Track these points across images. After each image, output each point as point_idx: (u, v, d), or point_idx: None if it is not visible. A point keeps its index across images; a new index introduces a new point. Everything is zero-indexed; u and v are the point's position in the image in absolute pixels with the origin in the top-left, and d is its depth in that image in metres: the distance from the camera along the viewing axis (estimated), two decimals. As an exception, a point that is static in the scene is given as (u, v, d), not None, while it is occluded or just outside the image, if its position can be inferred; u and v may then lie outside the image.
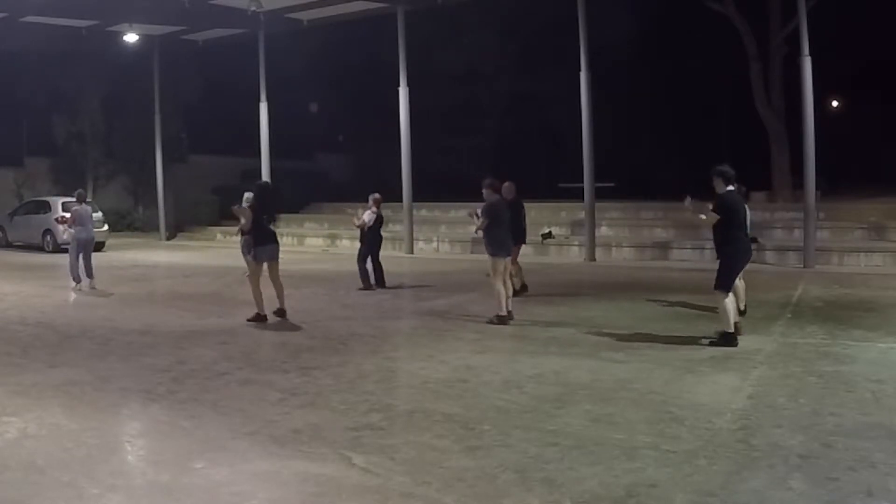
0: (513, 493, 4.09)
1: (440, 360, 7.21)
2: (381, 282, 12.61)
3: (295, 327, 9.18)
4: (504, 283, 9.11)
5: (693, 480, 4.22)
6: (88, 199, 14.02)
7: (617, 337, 8.20)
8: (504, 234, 9.26)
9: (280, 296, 9.63)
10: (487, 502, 4.00)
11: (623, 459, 4.52)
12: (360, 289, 12.31)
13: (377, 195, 12.67)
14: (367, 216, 12.51)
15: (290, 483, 4.28)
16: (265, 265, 9.53)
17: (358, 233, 12.89)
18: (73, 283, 12.81)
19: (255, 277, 9.49)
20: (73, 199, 13.78)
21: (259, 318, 9.37)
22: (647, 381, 6.30)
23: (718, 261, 7.79)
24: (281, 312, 9.55)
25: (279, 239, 9.84)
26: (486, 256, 9.46)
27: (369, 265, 12.57)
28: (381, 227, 12.80)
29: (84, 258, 12.92)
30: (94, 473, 4.41)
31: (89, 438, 5.01)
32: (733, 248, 7.60)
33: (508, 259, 9.43)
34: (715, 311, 9.56)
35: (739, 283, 8.61)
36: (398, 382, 6.76)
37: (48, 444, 4.92)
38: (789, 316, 9.46)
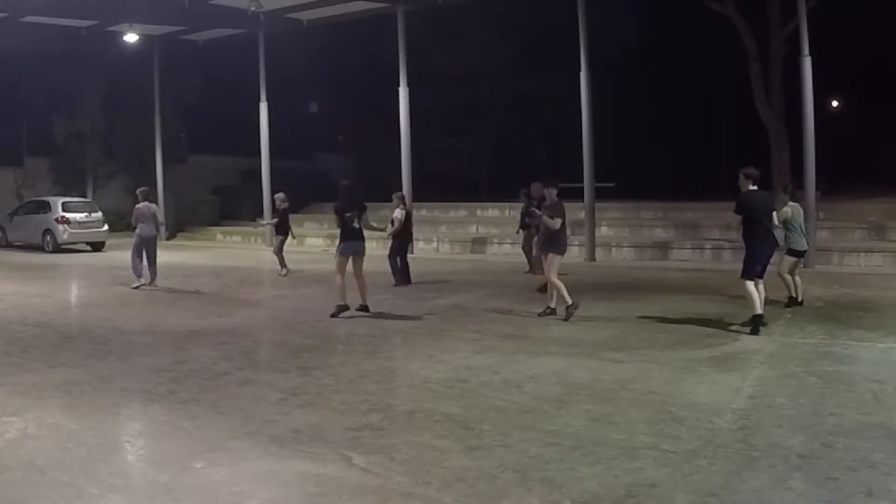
0: (513, 493, 4.09)
1: (440, 360, 7.21)
2: (407, 279, 13.04)
3: (295, 327, 9.18)
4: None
5: (693, 480, 4.22)
6: (87, 199, 14.01)
7: (617, 337, 8.21)
8: (564, 233, 9.67)
9: (362, 292, 10.04)
10: (487, 502, 4.00)
11: (623, 459, 4.52)
12: (395, 284, 12.74)
13: (401, 193, 13.46)
14: (399, 213, 13.00)
15: (290, 483, 4.28)
16: (350, 261, 9.94)
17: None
18: (138, 281, 12.73)
19: (339, 270, 9.93)
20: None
21: (340, 309, 9.77)
22: (647, 381, 6.30)
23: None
24: (364, 308, 9.95)
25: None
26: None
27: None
28: (410, 223, 13.28)
29: (147, 256, 12.88)
30: (94, 473, 4.41)
31: (89, 438, 5.01)
32: (753, 241, 8.36)
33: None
34: (715, 311, 9.64)
35: (796, 278, 10.04)
36: (398, 382, 6.75)
37: (48, 444, 4.92)
38: (789, 316, 9.47)
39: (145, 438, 5.26)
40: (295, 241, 15.85)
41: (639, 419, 5.30)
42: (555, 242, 9.47)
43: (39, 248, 20.63)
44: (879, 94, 27.47)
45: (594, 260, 16.96)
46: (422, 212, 21.90)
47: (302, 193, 26.19)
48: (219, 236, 25.21)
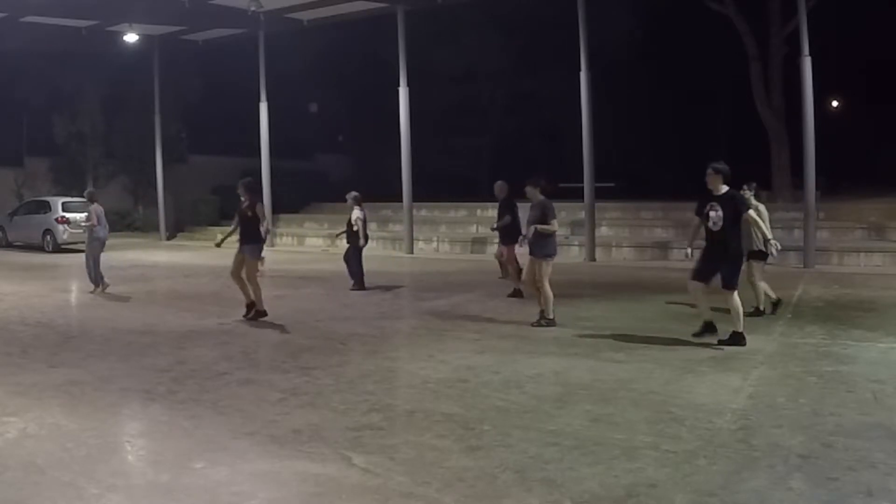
0: (513, 493, 4.09)
1: (440, 360, 7.21)
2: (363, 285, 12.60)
3: (295, 327, 9.17)
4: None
5: (693, 480, 4.22)
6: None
7: (617, 337, 8.20)
8: (553, 235, 9.16)
9: (247, 295, 9.74)
10: (487, 502, 4.00)
11: (623, 459, 4.52)
12: (355, 288, 12.33)
13: (356, 193, 12.64)
14: (359, 213, 12.46)
15: (290, 483, 4.28)
16: (241, 262, 9.70)
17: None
18: (94, 287, 12.27)
19: (256, 273, 9.69)
20: (82, 199, 13.54)
21: (259, 314, 9.57)
22: (647, 381, 6.30)
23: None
24: (251, 311, 9.69)
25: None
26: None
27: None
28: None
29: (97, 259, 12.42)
30: (94, 473, 4.41)
31: (89, 438, 5.01)
32: (740, 248, 7.86)
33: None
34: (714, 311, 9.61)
35: (761, 284, 9.27)
36: (398, 382, 6.75)
37: (48, 444, 4.92)
38: (789, 316, 9.46)
39: (145, 438, 5.26)
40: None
41: (639, 419, 5.30)
42: (548, 245, 8.98)
43: (39, 248, 20.64)
44: (879, 94, 27.47)
45: (594, 260, 16.96)
46: (422, 212, 21.91)
47: (302, 193, 26.32)
48: (219, 236, 25.13)
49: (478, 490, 4.13)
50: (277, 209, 23.67)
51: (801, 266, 14.72)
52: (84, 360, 7.38)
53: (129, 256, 19.12)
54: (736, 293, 7.58)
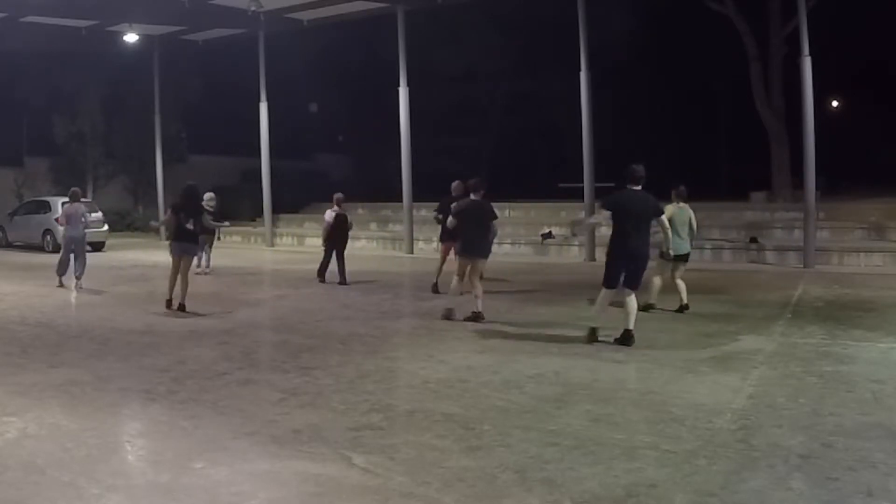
0: (513, 493, 4.09)
1: (440, 360, 7.21)
2: (343, 277, 13.14)
3: (295, 327, 9.18)
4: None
5: (693, 480, 4.22)
6: (87, 199, 14.06)
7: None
8: (471, 233, 9.70)
9: (182, 292, 10.44)
10: (487, 502, 4.00)
11: (623, 459, 4.52)
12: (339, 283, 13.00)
13: (338, 195, 13.41)
14: (328, 215, 13.20)
15: (290, 483, 4.28)
16: (178, 259, 10.56)
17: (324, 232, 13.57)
18: (58, 280, 12.99)
19: (172, 269, 10.58)
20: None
21: (168, 305, 10.42)
22: (647, 381, 6.31)
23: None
24: (181, 307, 10.30)
25: (193, 238, 10.87)
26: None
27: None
28: (342, 225, 13.25)
29: (76, 256, 13.08)
30: (94, 473, 4.41)
31: (89, 438, 5.01)
32: (612, 247, 8.27)
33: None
34: (714, 311, 9.62)
35: (657, 280, 9.87)
36: (398, 382, 6.75)
37: (48, 444, 4.92)
38: (789, 316, 9.47)
39: (145, 438, 5.26)
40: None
41: (639, 419, 5.30)
42: (460, 243, 9.66)
43: (39, 248, 20.62)
44: (879, 94, 27.46)
45: (594, 260, 16.93)
46: (422, 212, 21.90)
47: (302, 193, 26.32)
48: (219, 236, 25.19)
49: (478, 490, 4.13)
50: (277, 209, 23.68)
51: (801, 266, 14.72)
52: (84, 360, 7.38)
53: (129, 256, 19.12)
54: (633, 295, 7.86)
